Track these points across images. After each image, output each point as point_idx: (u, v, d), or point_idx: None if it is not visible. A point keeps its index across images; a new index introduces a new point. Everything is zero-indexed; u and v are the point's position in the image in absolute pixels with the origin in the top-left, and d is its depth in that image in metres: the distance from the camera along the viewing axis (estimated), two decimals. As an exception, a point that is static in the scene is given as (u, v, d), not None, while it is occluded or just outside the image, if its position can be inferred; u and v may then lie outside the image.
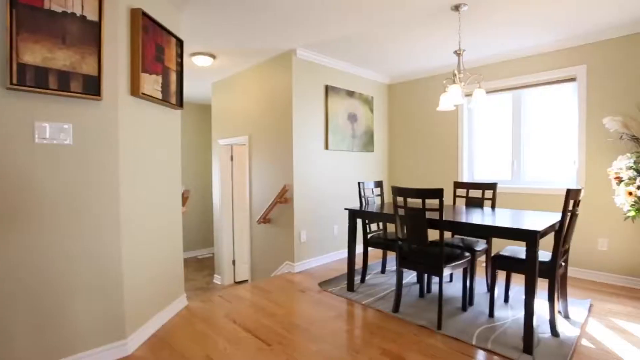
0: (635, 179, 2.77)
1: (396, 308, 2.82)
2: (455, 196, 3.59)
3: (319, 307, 2.99)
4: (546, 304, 2.85)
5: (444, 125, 4.75)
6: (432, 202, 2.52)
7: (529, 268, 2.21)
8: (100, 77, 2.09)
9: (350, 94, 4.68)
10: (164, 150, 2.73)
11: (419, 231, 2.57)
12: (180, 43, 2.86)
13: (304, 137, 4.13)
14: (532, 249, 2.20)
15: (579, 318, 2.68)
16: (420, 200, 2.54)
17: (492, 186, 3.35)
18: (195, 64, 4.33)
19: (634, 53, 3.35)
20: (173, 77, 2.78)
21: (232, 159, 5.30)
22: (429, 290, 3.23)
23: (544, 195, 3.89)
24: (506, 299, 3.00)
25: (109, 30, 2.15)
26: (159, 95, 2.58)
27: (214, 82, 5.35)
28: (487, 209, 3.21)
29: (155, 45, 2.53)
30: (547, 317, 2.62)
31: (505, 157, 4.27)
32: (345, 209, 3.30)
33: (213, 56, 4.19)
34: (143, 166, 2.47)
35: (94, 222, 2.10)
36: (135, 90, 2.33)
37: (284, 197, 4.08)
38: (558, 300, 2.71)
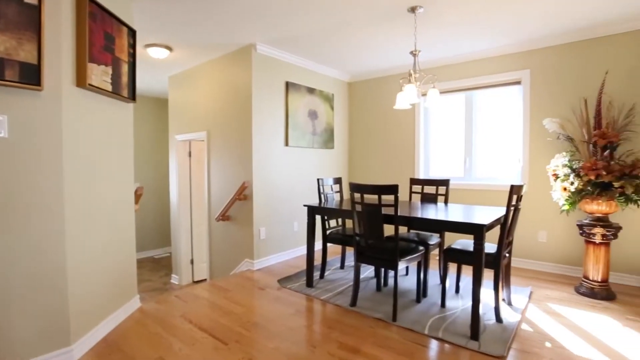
0: (569, 175, 3.02)
1: (354, 302, 2.88)
2: (411, 192, 3.72)
3: (278, 304, 2.99)
4: (492, 292, 3.05)
5: (402, 124, 4.90)
6: (389, 198, 2.59)
7: (476, 259, 2.35)
8: (41, 65, 1.94)
9: (311, 90, 4.70)
10: (114, 145, 2.60)
11: (375, 226, 2.65)
12: (132, 33, 2.73)
13: (263, 134, 4.09)
14: (479, 242, 2.34)
15: (520, 304, 2.89)
16: (376, 196, 2.60)
17: (445, 182, 3.51)
18: (151, 55, 4.14)
19: (569, 60, 3.65)
20: (124, 68, 2.64)
21: (190, 155, 5.14)
22: (385, 283, 3.34)
23: (493, 191, 4.14)
24: (457, 290, 3.17)
25: (51, 15, 2.00)
26: (109, 87, 2.45)
27: (170, 75, 5.15)
28: (440, 204, 3.36)
29: (104, 34, 2.39)
30: (493, 304, 2.80)
31: (459, 154, 4.50)
32: (304, 205, 3.32)
33: (169, 48, 4.03)
34: (91, 162, 2.34)
35: (34, 221, 1.96)
36: (81, 80, 2.20)
37: (243, 194, 4.02)
38: (502, 288, 2.91)
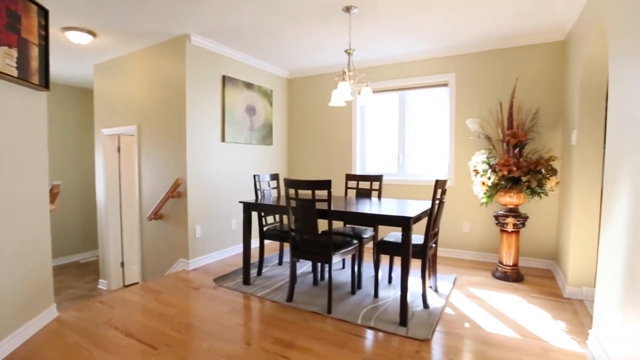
0: (487, 171, 3.32)
1: (290, 297, 2.90)
2: (347, 188, 3.84)
3: (213, 303, 2.92)
4: (420, 281, 3.25)
5: (339, 121, 5.02)
6: (323, 193, 2.65)
7: (404, 250, 2.49)
8: None
9: (249, 86, 4.62)
10: (22, 138, 2.33)
11: (310, 221, 2.69)
12: (44, 12, 2.46)
13: (198, 129, 3.94)
14: (406, 234, 2.48)
15: (445, 290, 3.13)
16: (311, 192, 2.64)
17: (379, 178, 3.67)
18: (70, 40, 3.77)
19: (488, 66, 4.00)
20: (34, 51, 2.38)
21: (119, 150, 4.79)
22: (322, 278, 3.41)
23: (424, 186, 4.42)
24: (390, 280, 3.34)
25: None
26: (13, 72, 2.19)
27: (96, 63, 4.74)
28: (374, 199, 3.51)
29: (6, 11, 2.13)
30: (421, 292, 2.99)
31: (393, 151, 4.72)
32: (240, 202, 3.27)
33: (92, 33, 3.70)
34: (-10, 156, 2.08)
35: None
36: (-25, 63, 1.94)
37: (176, 191, 3.84)
38: (429, 277, 3.12)
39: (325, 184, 2.56)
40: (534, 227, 3.83)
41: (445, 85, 4.30)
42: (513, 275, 3.39)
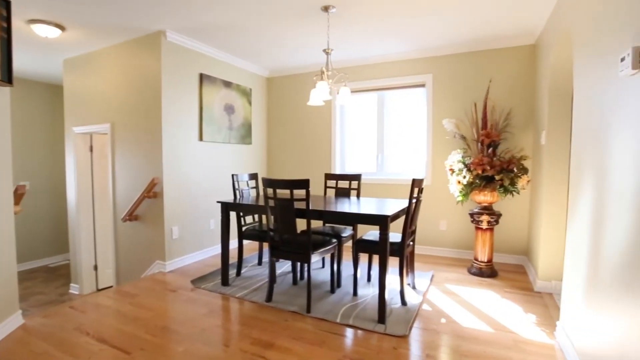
0: (462, 170, 3.40)
1: (269, 297, 2.88)
2: (326, 187, 3.84)
3: (191, 305, 2.86)
4: (398, 278, 3.30)
5: (319, 120, 5.02)
6: (302, 193, 2.64)
7: (381, 248, 2.52)
8: None
9: (227, 84, 4.55)
10: (-18, 136, 2.22)
11: (288, 221, 2.67)
12: (5, 3, 2.35)
13: (175, 127, 3.85)
14: (383, 232, 2.50)
15: (423, 287, 3.18)
16: (289, 191, 2.62)
17: (357, 177, 3.69)
18: (37, 33, 3.60)
19: (464, 67, 4.10)
20: (-5, 45, 2.27)
21: (91, 149, 4.62)
22: (302, 277, 3.40)
23: (402, 185, 4.48)
24: (369, 278, 3.37)
25: None
26: (-27, 67, 2.08)
27: (66, 58, 4.55)
28: (353, 198, 3.53)
29: (-37, 2, 2.02)
30: (399, 289, 3.03)
31: (372, 151, 4.76)
32: (218, 201, 3.22)
33: (61, 27, 3.55)
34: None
35: None
36: None
37: (152, 191, 3.74)
38: (407, 274, 3.17)
39: (304, 184, 2.55)
40: (507, 225, 3.95)
41: (423, 86, 4.37)
42: (488, 271, 3.49)
